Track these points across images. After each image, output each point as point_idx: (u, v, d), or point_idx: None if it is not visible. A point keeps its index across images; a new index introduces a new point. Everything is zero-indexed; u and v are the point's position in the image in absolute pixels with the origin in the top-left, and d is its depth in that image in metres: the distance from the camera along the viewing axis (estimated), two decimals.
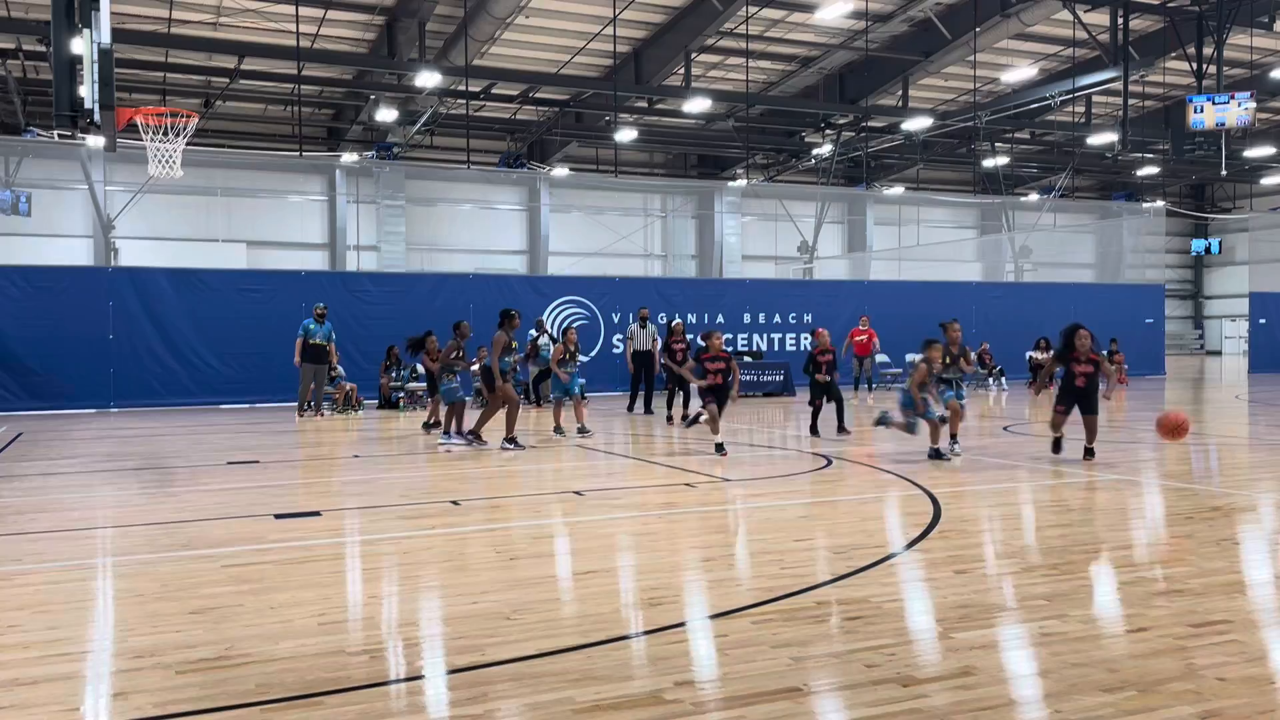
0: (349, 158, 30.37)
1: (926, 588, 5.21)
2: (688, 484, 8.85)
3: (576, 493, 8.39)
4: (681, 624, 4.57)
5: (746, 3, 24.12)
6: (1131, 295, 28.23)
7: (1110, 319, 25.76)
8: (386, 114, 27.99)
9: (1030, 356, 23.95)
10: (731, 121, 31.93)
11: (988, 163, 35.69)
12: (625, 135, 30.67)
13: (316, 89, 29.22)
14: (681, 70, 26.72)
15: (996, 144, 34.60)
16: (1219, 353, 46.60)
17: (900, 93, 30.30)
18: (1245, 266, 42.62)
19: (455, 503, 7.93)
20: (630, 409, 16.85)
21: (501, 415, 11.85)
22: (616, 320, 21.68)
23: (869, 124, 31.87)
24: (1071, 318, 27.53)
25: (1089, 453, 10.06)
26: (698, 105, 27.38)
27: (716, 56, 28.75)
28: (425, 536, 6.66)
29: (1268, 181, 40.17)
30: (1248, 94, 22.45)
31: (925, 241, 38.66)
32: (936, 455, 10.15)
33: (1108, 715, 3.39)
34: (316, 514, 7.49)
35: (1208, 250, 44.38)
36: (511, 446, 11.39)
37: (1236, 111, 22.14)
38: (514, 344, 11.91)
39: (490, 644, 4.21)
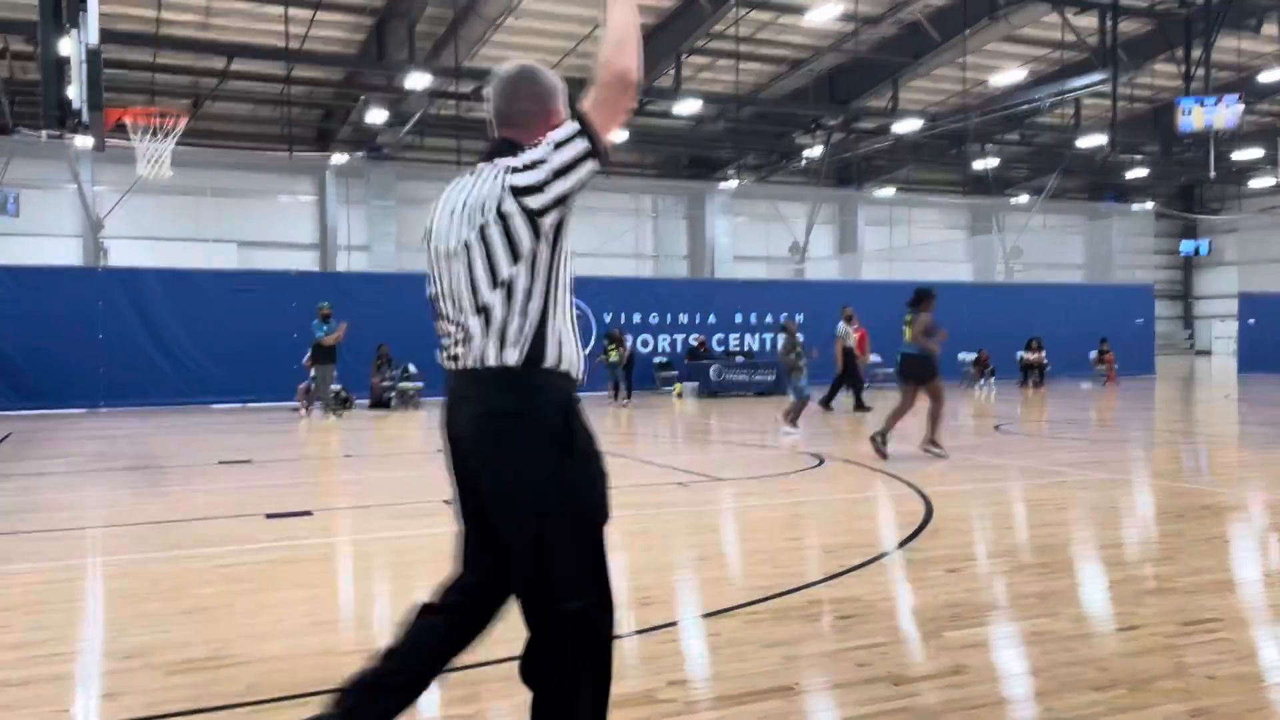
0: (339, 158, 30.31)
1: (918, 586, 5.22)
2: (680, 483, 8.85)
3: None
4: (673, 623, 4.57)
5: (736, 5, 24.16)
6: (1121, 296, 28.35)
7: (1100, 320, 25.89)
8: (376, 115, 27.94)
9: (1021, 357, 24.06)
10: (722, 123, 31.97)
11: (978, 164, 35.80)
12: (616, 136, 30.63)
13: (306, 89, 29.14)
14: (672, 71, 26.75)
15: (986, 146, 34.71)
16: (1209, 353, 46.81)
17: (890, 95, 30.36)
18: (1235, 267, 42.87)
19: (447, 501, 7.92)
20: (826, 405, 16.86)
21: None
22: (608, 320, 21.69)
23: (859, 126, 31.94)
24: (1062, 319, 27.57)
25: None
26: (688, 107, 27.41)
27: (706, 58, 28.77)
28: (417, 535, 6.64)
29: (1256, 183, 40.35)
30: (1235, 96, 22.55)
31: (916, 242, 38.78)
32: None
33: (1099, 713, 3.40)
34: (308, 513, 7.47)
35: (1197, 251, 44.50)
36: (936, 449, 10.20)
37: (1225, 114, 22.24)
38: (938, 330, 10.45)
39: (481, 644, 4.20)
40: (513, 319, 2.54)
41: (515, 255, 2.53)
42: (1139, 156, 34.14)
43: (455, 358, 2.65)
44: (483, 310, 2.56)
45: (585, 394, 2.68)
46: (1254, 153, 32.50)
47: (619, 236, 36.04)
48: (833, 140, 33.01)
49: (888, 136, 32.15)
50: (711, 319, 22.94)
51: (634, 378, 20.17)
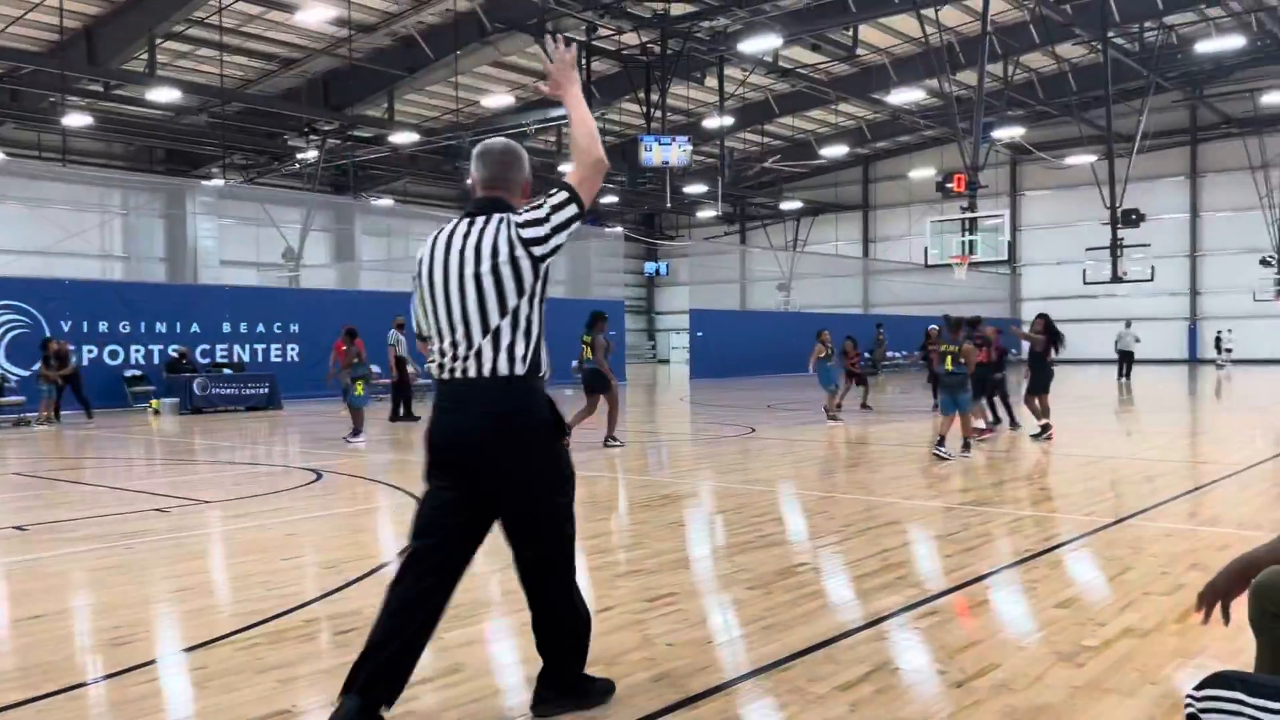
0: None
1: None
2: (159, 509, 8.07)
3: (17, 528, 7.24)
4: (152, 661, 4.17)
5: None
6: (599, 309, 31.16)
7: (581, 331, 28.24)
8: None
9: None
10: (205, 116, 29.76)
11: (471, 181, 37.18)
12: (77, 120, 27.16)
13: None
14: (145, 55, 24.32)
15: None
16: (668, 361, 53.25)
17: (386, 105, 30.47)
18: (687, 287, 49.27)
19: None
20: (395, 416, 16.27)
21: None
22: (68, 329, 19.06)
23: (355, 133, 31.59)
24: (548, 330, 29.24)
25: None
26: (164, 95, 25.11)
27: (186, 45, 26.60)
28: None
29: (703, 214, 46.90)
30: (686, 138, 25.95)
31: (414, 254, 39.21)
32: None
33: None
34: None
35: (658, 272, 50.59)
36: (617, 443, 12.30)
37: (678, 152, 25.48)
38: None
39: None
40: (518, 339, 3.26)
41: (520, 290, 3.25)
42: (610, 185, 37.84)
43: (457, 370, 3.28)
44: (493, 332, 3.24)
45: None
46: (700, 188, 37.75)
47: (80, 233, 31.78)
48: (328, 146, 32.27)
49: (384, 147, 32.20)
50: (195, 328, 21.16)
51: (101, 394, 18.00)
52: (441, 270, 3.32)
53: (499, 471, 3.27)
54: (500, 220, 3.29)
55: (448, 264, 3.30)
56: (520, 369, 3.25)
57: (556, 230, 3.26)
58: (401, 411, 16.81)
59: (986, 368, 12.77)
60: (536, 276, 3.27)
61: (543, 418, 3.30)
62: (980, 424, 12.74)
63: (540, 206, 3.29)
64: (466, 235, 3.31)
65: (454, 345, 3.28)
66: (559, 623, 3.47)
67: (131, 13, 24.07)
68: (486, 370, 3.23)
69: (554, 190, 3.31)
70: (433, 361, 3.36)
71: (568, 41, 3.46)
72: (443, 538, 3.38)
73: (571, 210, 3.28)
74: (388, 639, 3.25)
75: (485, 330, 3.24)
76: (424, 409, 17.16)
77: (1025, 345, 13.89)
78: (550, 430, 3.32)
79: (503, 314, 3.24)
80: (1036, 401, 12.77)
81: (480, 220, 3.33)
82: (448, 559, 3.40)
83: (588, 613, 3.56)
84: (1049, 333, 12.98)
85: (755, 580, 5.40)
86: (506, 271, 3.23)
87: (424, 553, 3.38)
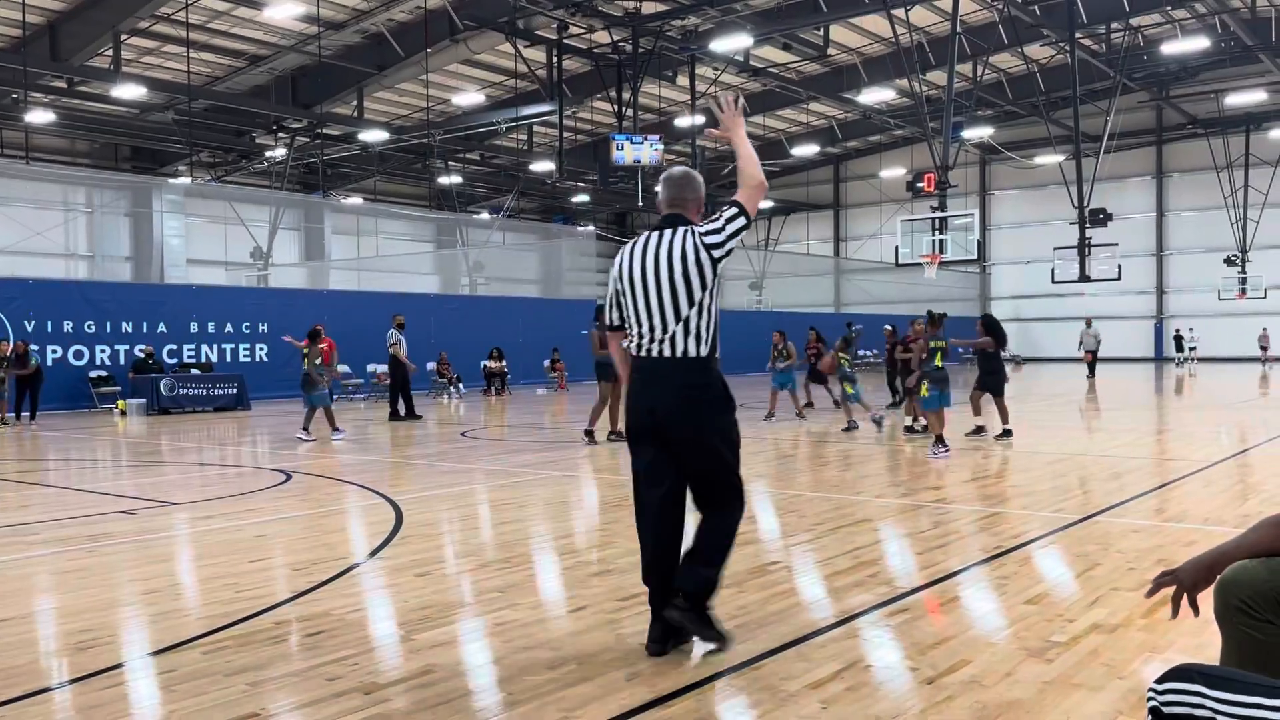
0: None
1: (388, 594, 5.28)
2: (125, 511, 7.97)
3: None
4: (119, 665, 4.11)
5: None
6: (570, 309, 31.14)
7: (554, 331, 28.20)
8: None
9: (484, 365, 25.33)
10: (171, 114, 29.41)
11: (442, 180, 37.03)
12: (40, 117, 26.76)
13: None
14: (109, 52, 24.00)
15: (450, 162, 36.05)
16: None
17: (355, 103, 30.24)
18: None
19: None
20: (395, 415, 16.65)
21: None
22: (31, 329, 18.78)
23: (324, 131, 31.34)
24: (520, 329, 29.31)
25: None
26: (129, 92, 24.80)
27: (152, 42, 26.28)
28: None
29: None
30: (657, 136, 25.96)
31: (384, 253, 38.96)
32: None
33: (552, 690, 3.72)
34: None
35: None
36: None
37: (649, 151, 25.47)
38: None
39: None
40: (703, 327, 4.05)
41: (704, 286, 4.05)
42: (582, 184, 37.83)
43: (653, 351, 4.08)
44: (684, 320, 4.03)
45: None
46: None
47: (43, 232, 31.32)
48: (296, 143, 31.99)
49: (354, 145, 31.96)
50: (162, 328, 20.91)
51: (66, 395, 17.76)
52: (640, 271, 4.10)
53: (685, 433, 4.03)
54: (686, 231, 4.10)
55: (644, 267, 4.09)
56: (703, 350, 4.05)
57: (730, 237, 4.06)
58: (403, 411, 16.84)
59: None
60: (715, 274, 4.06)
61: (720, 391, 4.09)
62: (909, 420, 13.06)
63: (718, 219, 4.06)
64: (659, 244, 4.10)
65: (650, 331, 4.07)
66: (712, 535, 4.14)
67: (96, 9, 23.75)
68: (679, 352, 4.03)
69: (726, 205, 4.09)
70: (631, 343, 4.18)
71: (735, 96, 4.32)
72: (669, 486, 4.11)
73: (741, 222, 4.07)
74: (655, 563, 4.15)
75: (678, 319, 4.02)
76: (428, 409, 17.15)
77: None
78: (726, 401, 4.11)
79: (690, 305, 4.02)
80: (995, 404, 12.75)
81: (669, 232, 4.13)
82: (670, 493, 4.13)
83: (730, 545, 4.21)
84: (991, 332, 12.79)
85: (727, 579, 5.38)
86: (694, 271, 4.01)
87: (654, 500, 4.12)
